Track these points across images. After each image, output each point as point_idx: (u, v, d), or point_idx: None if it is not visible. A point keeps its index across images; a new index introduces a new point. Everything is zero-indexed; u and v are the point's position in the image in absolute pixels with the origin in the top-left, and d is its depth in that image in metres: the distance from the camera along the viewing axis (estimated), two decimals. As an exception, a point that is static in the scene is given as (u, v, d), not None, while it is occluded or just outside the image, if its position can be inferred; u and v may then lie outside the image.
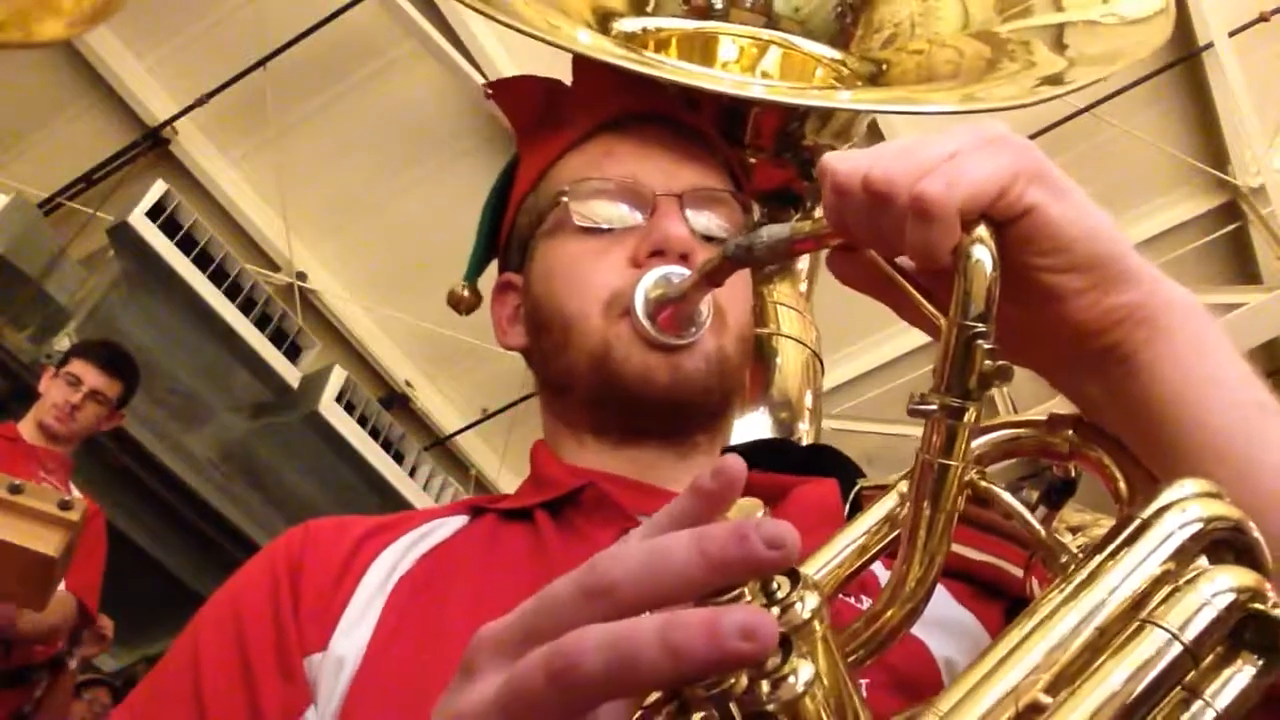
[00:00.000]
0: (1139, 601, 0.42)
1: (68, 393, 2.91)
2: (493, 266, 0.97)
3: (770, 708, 0.36)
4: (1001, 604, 0.68)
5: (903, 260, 0.56)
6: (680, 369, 0.76)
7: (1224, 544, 0.45)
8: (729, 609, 0.34)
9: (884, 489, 0.77)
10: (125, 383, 3.02)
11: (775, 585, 0.40)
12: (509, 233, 0.92)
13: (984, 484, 0.52)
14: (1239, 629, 0.41)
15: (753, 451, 0.86)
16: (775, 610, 0.39)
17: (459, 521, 0.77)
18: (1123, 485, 0.54)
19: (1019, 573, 0.62)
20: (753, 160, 1.10)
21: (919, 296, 0.54)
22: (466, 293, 0.99)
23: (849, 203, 0.54)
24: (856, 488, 0.76)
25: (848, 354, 5.07)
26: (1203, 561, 0.44)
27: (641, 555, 0.37)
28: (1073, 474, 0.57)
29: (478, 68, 4.09)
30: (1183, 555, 0.44)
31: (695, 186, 0.83)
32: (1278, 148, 4.49)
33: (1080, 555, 0.46)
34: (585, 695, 0.35)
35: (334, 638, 0.65)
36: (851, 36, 1.18)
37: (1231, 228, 4.76)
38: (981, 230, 0.50)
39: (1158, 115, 4.35)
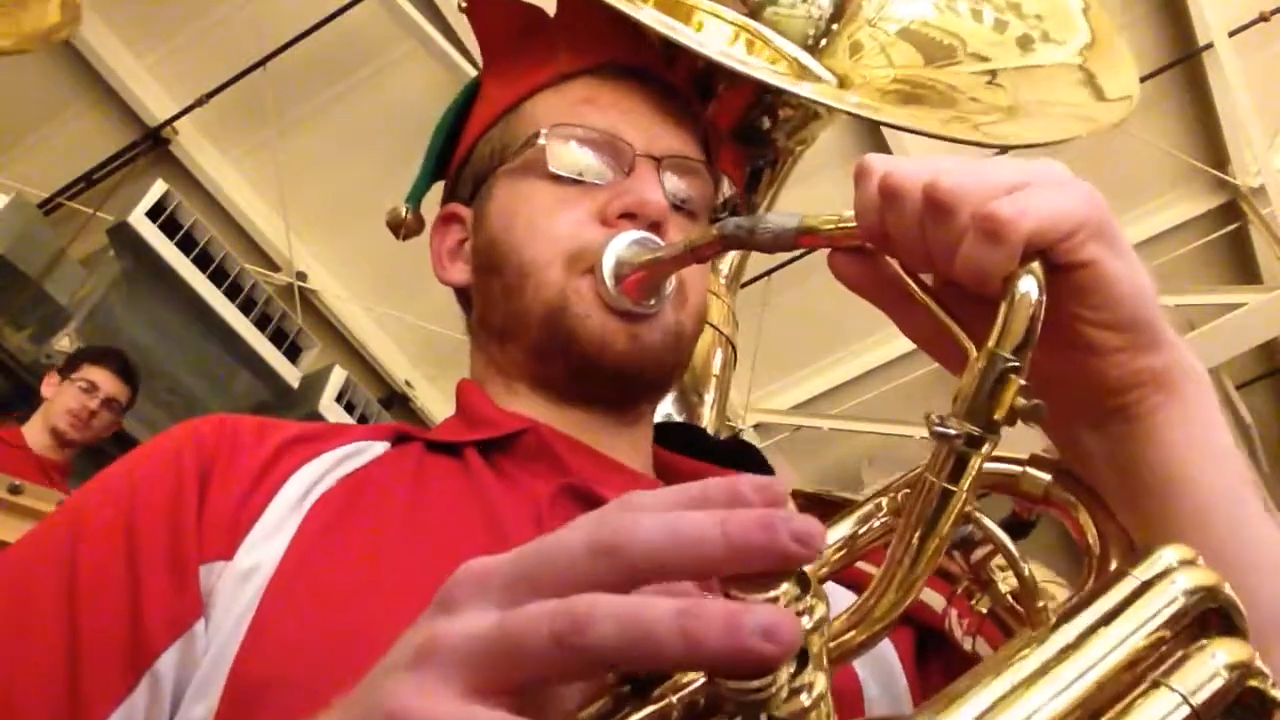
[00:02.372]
0: (1135, 661, 0.43)
1: (84, 399, 2.89)
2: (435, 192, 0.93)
3: (779, 715, 0.35)
4: (911, 629, 0.67)
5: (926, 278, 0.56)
6: (639, 339, 0.74)
7: (1212, 611, 0.46)
8: (754, 607, 0.33)
9: (798, 494, 0.78)
10: (133, 389, 3.02)
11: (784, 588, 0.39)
12: (462, 161, 0.88)
13: (977, 515, 0.51)
14: (1237, 701, 0.42)
15: (669, 433, 0.86)
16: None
17: (381, 447, 0.73)
18: (1093, 538, 0.54)
19: (926, 595, 0.62)
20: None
21: (947, 318, 0.53)
22: (409, 216, 0.92)
23: (899, 207, 0.53)
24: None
25: (848, 354, 5.07)
26: (1195, 628, 0.45)
27: (661, 523, 0.35)
28: (1033, 518, 0.57)
29: (477, 68, 4.08)
30: (1179, 620, 0.44)
31: (675, 152, 0.81)
32: (1278, 148, 4.49)
33: (1063, 605, 0.46)
34: (586, 663, 0.33)
35: (241, 548, 0.61)
36: (820, 45, 1.18)
37: (1231, 228, 4.76)
38: (1036, 266, 0.49)
39: (1157, 115, 4.35)
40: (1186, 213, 4.70)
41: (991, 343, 0.48)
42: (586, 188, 0.78)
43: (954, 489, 0.47)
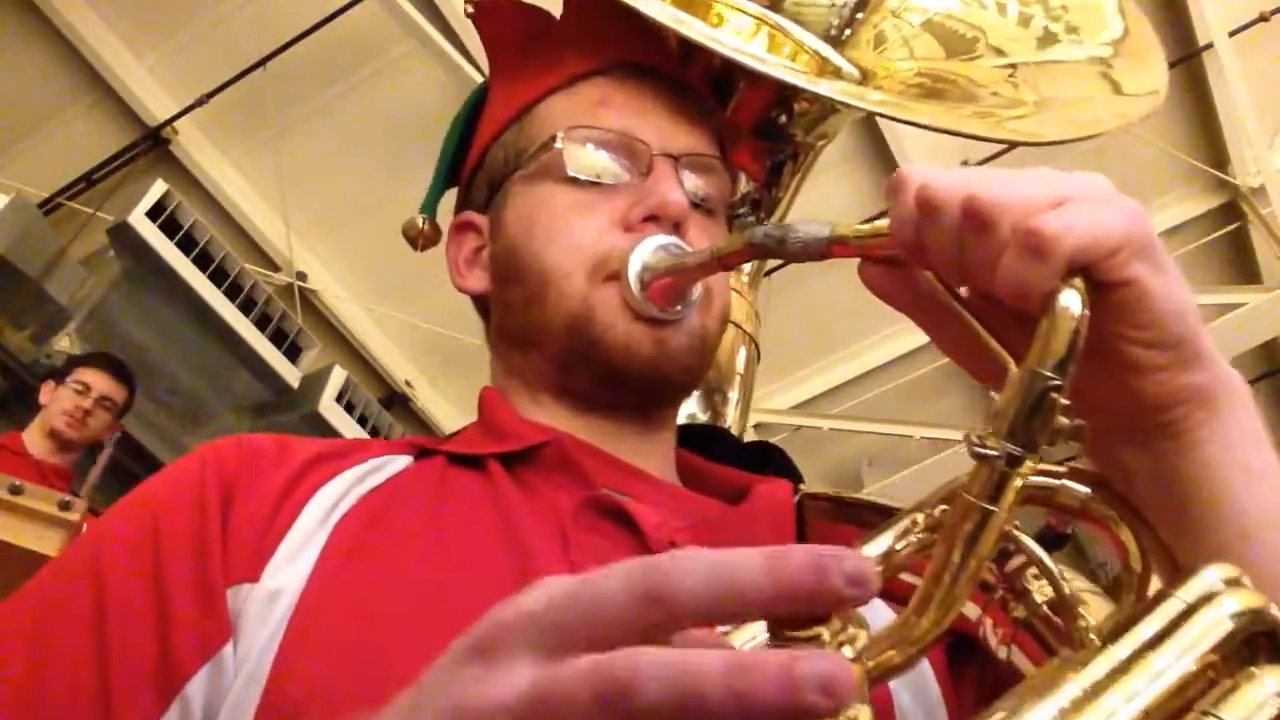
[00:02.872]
0: (1183, 688, 0.41)
1: (78, 399, 2.93)
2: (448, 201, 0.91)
3: None
4: (943, 638, 0.66)
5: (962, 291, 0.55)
6: (665, 344, 0.73)
7: (1261, 634, 0.44)
8: (807, 656, 0.31)
9: (821, 497, 0.77)
10: (129, 389, 3.05)
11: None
12: (475, 168, 0.86)
13: (1016, 534, 0.50)
14: None
15: (693, 436, 0.85)
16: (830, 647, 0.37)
17: (403, 461, 0.72)
18: (1135, 556, 0.52)
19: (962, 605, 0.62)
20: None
21: (985, 333, 0.52)
22: (425, 226, 0.90)
23: (936, 219, 0.52)
24: (799, 494, 0.75)
25: (848, 354, 5.07)
26: (1244, 652, 0.44)
27: (707, 567, 0.34)
28: (1069, 531, 0.56)
29: (478, 68, 4.09)
30: (1227, 644, 0.43)
31: (692, 150, 0.80)
32: (1278, 148, 4.49)
33: (1105, 625, 0.45)
34: None
35: (267, 570, 0.60)
36: (843, 36, 1.16)
37: (1231, 228, 4.76)
38: (1079, 282, 0.48)
39: (1157, 115, 4.32)
40: (1186, 213, 4.70)
41: (1032, 360, 0.47)
42: (605, 190, 0.77)
43: (994, 509, 0.46)
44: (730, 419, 1.13)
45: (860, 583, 0.33)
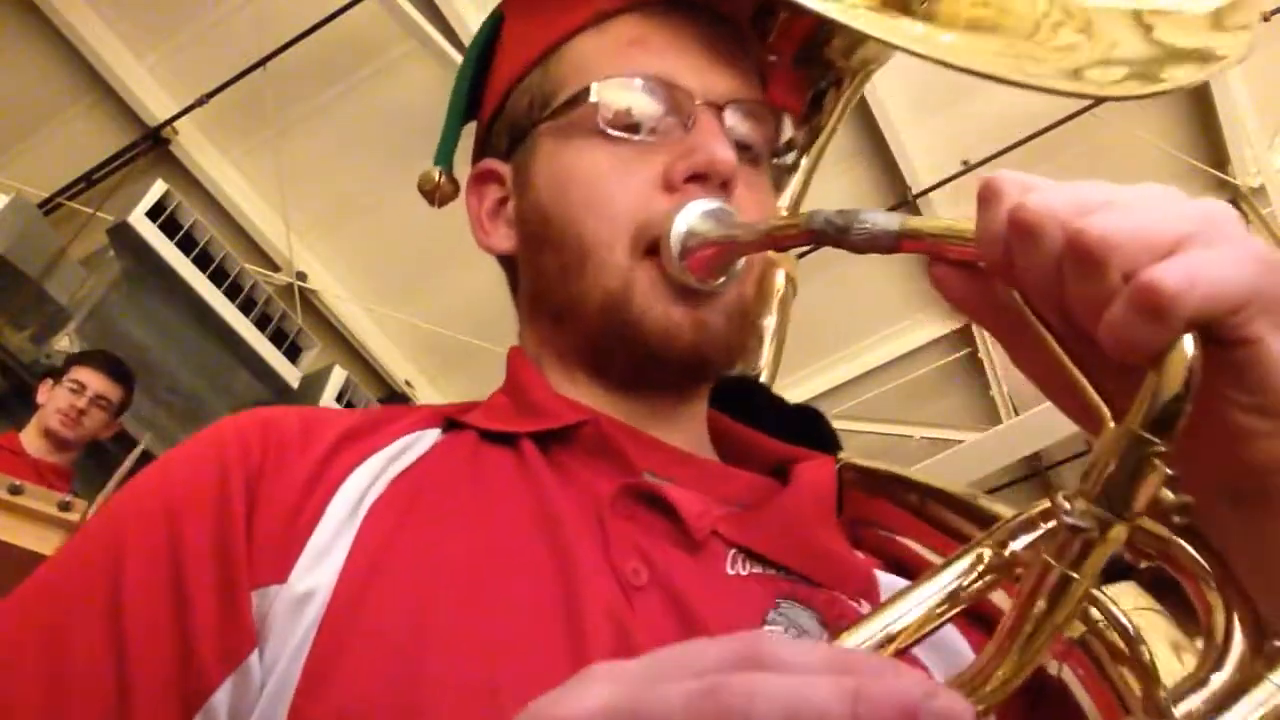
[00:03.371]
0: None
1: (73, 398, 2.93)
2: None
3: None
4: None
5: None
6: (704, 325, 0.68)
7: None
8: (935, 690, 0.30)
9: (854, 468, 0.75)
10: (126, 389, 3.05)
11: None
12: (495, 112, 0.79)
13: (1098, 595, 0.47)
14: None
15: (739, 390, 0.81)
16: None
17: (432, 436, 0.68)
18: (1219, 615, 0.49)
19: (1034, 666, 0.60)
20: (771, 59, 0.96)
21: (1082, 378, 0.47)
22: (442, 179, 0.83)
23: (1033, 245, 0.46)
24: (838, 466, 0.73)
25: (848, 354, 5.06)
26: None
27: (783, 697, 0.31)
28: (1140, 564, 0.52)
29: (478, 68, 4.09)
30: None
31: (736, 96, 0.73)
32: (1278, 148, 4.49)
33: (1183, 692, 0.43)
34: None
35: (295, 570, 0.56)
36: None
37: (1231, 228, 4.75)
38: (1193, 340, 0.42)
39: (1158, 115, 4.35)
40: (1187, 213, 4.69)
41: (1134, 420, 0.42)
42: (644, 146, 0.71)
43: (1077, 577, 0.42)
44: (765, 361, 1.05)
45: None
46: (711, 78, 0.73)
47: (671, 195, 0.69)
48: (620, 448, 0.66)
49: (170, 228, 4.05)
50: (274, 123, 4.25)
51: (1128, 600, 0.57)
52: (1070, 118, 3.99)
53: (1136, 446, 0.42)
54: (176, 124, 4.30)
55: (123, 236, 3.98)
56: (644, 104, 0.71)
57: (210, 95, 4.17)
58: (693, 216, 0.67)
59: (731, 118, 0.72)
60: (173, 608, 0.55)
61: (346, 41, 4.08)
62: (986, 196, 0.48)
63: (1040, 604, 0.42)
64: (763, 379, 1.06)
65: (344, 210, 4.61)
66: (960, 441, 4.99)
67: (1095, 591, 0.46)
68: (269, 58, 4.05)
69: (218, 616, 0.55)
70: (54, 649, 0.55)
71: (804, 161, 1.07)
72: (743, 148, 0.73)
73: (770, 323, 1.08)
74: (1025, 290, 0.48)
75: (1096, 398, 0.45)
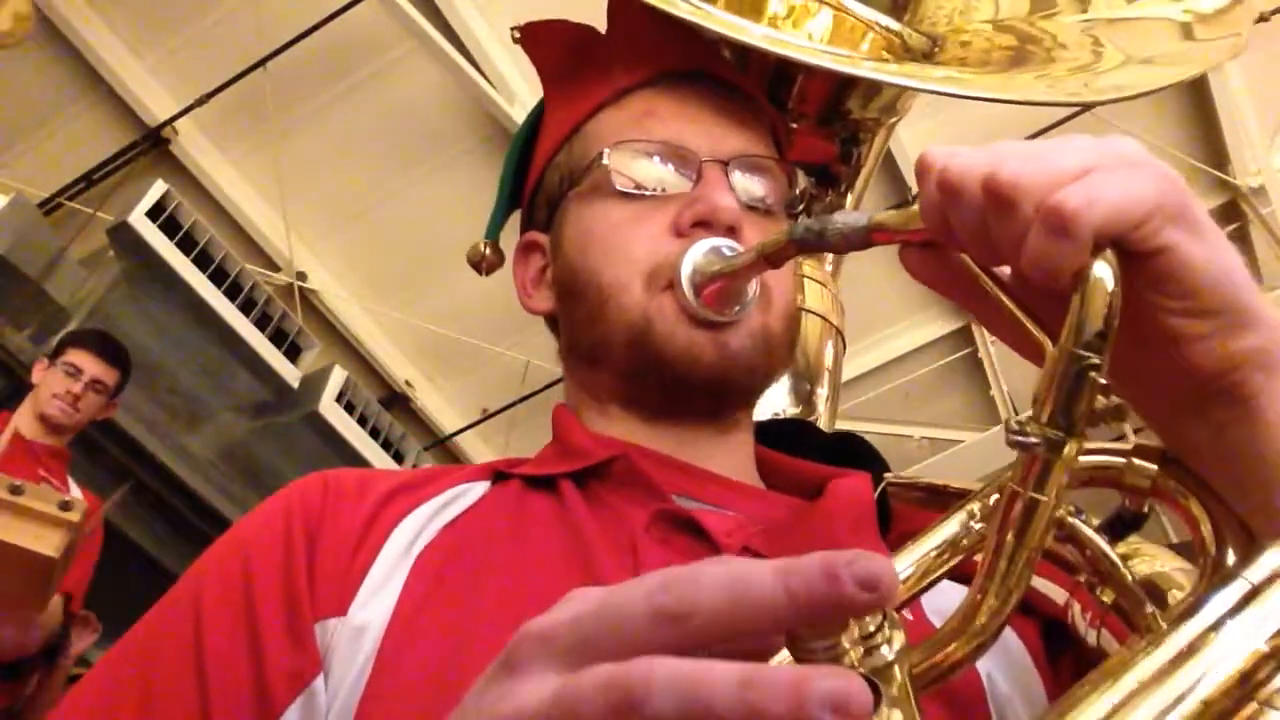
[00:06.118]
0: (1247, 676, 0.40)
1: (68, 383, 2.90)
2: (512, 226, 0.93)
3: None
4: (1035, 621, 0.66)
5: (999, 270, 0.54)
6: (726, 347, 0.73)
7: None
8: (818, 672, 0.31)
9: (911, 486, 0.76)
10: (122, 370, 3.02)
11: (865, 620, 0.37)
12: (534, 189, 0.87)
13: (1071, 520, 0.49)
14: None
15: (779, 431, 0.85)
16: (859, 650, 0.37)
17: (482, 488, 0.73)
18: (1207, 531, 0.51)
19: (1048, 588, 0.60)
20: (794, 125, 1.03)
21: (1023, 315, 0.50)
22: (488, 251, 0.92)
23: (959, 202, 0.50)
24: (883, 484, 0.74)
25: (847, 354, 5.06)
26: None
27: (723, 584, 0.34)
28: (1145, 509, 0.54)
29: (478, 68, 4.09)
30: None
31: (742, 152, 0.79)
32: (1278, 148, 4.49)
33: (1167, 611, 0.44)
34: None
35: (354, 605, 0.62)
36: (906, 7, 1.12)
37: (1232, 228, 4.75)
38: (1109, 256, 0.46)
39: (1158, 115, 4.35)
40: (1186, 213, 4.69)
41: (1066, 341, 0.45)
42: (657, 201, 0.77)
43: (1041, 498, 0.45)
44: (821, 413, 1.11)
45: (873, 585, 0.32)
46: (717, 137, 0.79)
47: (680, 240, 0.75)
48: (648, 476, 0.70)
49: (170, 228, 4.05)
50: (274, 123, 4.25)
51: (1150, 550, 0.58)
52: (1070, 118, 3.99)
53: (1071, 364, 0.44)
54: (176, 124, 4.30)
55: (123, 236, 3.98)
56: (653, 163, 0.78)
57: (210, 95, 4.17)
58: (698, 254, 0.73)
59: (739, 173, 0.79)
60: (246, 638, 0.61)
61: (346, 41, 4.09)
62: (920, 172, 0.52)
63: (1009, 531, 0.45)
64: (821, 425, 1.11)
65: (344, 210, 4.61)
66: (960, 441, 5.00)
67: (1073, 520, 0.48)
68: (269, 58, 4.05)
69: (286, 644, 0.61)
70: (147, 677, 0.63)
71: (849, 199, 1.13)
72: (753, 202, 0.79)
73: (825, 377, 1.14)
74: (967, 249, 0.53)
75: (1039, 332, 0.48)
